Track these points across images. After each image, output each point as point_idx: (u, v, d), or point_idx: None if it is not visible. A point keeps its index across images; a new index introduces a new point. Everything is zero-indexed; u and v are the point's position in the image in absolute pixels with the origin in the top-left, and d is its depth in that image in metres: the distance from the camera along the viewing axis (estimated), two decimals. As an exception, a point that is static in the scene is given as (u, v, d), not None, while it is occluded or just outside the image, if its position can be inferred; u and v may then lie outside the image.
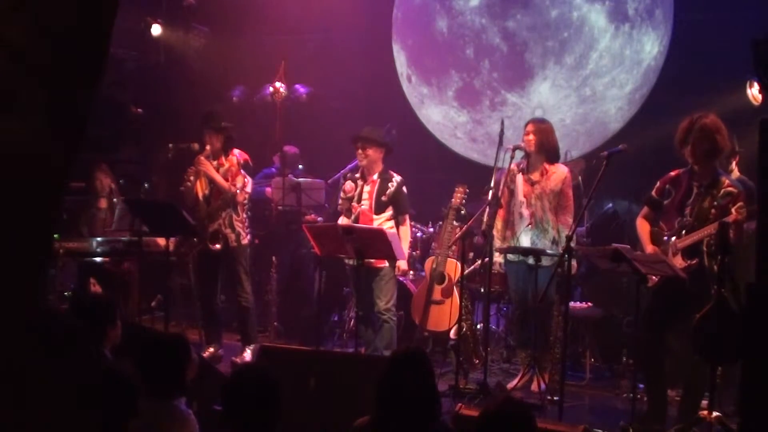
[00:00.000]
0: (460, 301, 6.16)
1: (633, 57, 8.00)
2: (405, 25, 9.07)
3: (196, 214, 6.21)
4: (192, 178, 6.26)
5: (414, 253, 7.17)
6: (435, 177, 8.02)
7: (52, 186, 1.51)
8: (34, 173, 1.46)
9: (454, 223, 6.20)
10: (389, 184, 5.96)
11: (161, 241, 6.34)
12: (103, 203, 7.30)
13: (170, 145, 6.78)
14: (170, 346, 3.19)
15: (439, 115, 8.91)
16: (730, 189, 4.62)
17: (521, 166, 5.82)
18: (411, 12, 9.03)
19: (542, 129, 5.74)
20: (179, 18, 9.02)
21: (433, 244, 7.02)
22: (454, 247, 6.30)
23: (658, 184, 4.95)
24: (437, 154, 8.82)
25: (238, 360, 6.18)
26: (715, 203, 4.61)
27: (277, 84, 7.57)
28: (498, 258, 5.94)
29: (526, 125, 5.83)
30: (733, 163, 5.48)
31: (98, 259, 6.76)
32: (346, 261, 5.99)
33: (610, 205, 7.12)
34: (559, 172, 5.72)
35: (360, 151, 5.99)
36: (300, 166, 7.93)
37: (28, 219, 1.48)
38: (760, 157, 2.93)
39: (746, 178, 5.24)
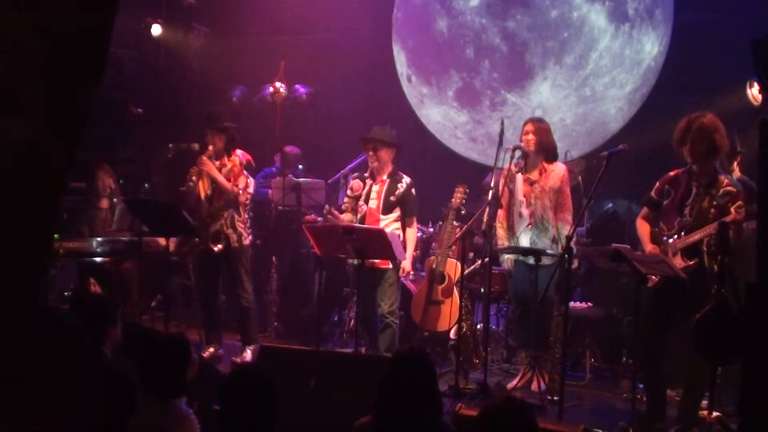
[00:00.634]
0: (460, 301, 6.16)
1: (633, 57, 8.00)
2: (405, 25, 9.07)
3: (198, 214, 6.22)
4: (194, 178, 6.26)
5: (414, 253, 7.17)
6: (435, 177, 8.01)
7: (52, 186, 1.51)
8: (34, 173, 1.46)
9: (454, 223, 6.21)
10: (399, 185, 5.95)
11: (162, 241, 6.34)
12: (105, 203, 7.30)
13: (170, 145, 6.78)
14: (170, 346, 3.19)
15: (439, 115, 8.91)
16: (729, 188, 4.62)
17: (519, 165, 5.82)
18: (411, 12, 9.03)
19: (541, 128, 5.75)
20: (179, 18, 9.03)
21: (433, 244, 7.02)
22: (454, 247, 6.30)
23: (657, 184, 4.95)
24: (437, 154, 8.82)
25: (238, 360, 6.18)
26: (715, 203, 4.61)
27: (277, 84, 7.57)
28: (509, 256, 5.92)
29: (525, 125, 5.83)
30: (735, 163, 5.48)
31: (98, 259, 6.76)
32: (349, 261, 5.99)
33: (610, 205, 7.12)
34: (558, 170, 5.73)
35: (371, 153, 5.97)
36: (300, 167, 7.93)
37: (28, 219, 1.48)
38: (760, 157, 2.93)
39: (747, 178, 5.24)
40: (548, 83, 8.25)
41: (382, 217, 5.93)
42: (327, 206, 6.53)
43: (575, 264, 5.21)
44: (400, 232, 5.92)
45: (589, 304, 6.41)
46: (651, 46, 7.97)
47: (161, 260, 6.27)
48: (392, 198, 5.93)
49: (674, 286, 4.65)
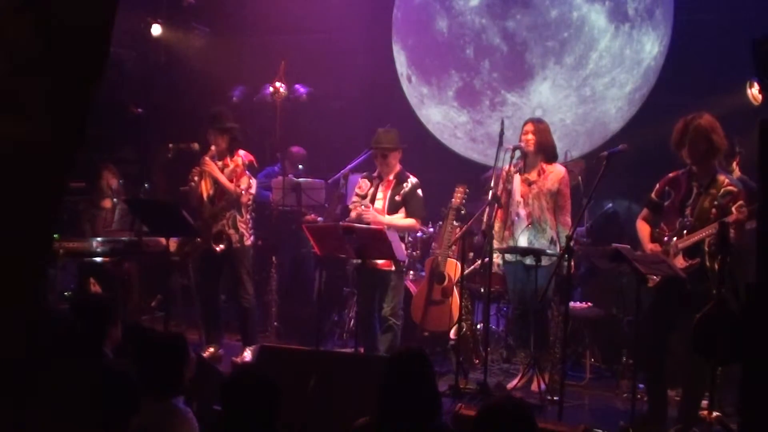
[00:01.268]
0: (460, 301, 6.17)
1: (633, 57, 8.00)
2: (405, 25, 9.07)
3: (200, 214, 6.22)
4: (196, 178, 6.27)
5: (414, 253, 7.17)
6: (435, 177, 8.01)
7: (52, 186, 1.51)
8: (34, 173, 1.46)
9: (454, 223, 6.21)
10: (404, 185, 5.95)
11: (163, 240, 6.34)
12: (107, 203, 7.31)
13: (170, 145, 6.78)
14: (168, 345, 3.19)
15: (439, 115, 8.90)
16: (729, 188, 4.62)
17: (518, 166, 5.82)
18: (411, 12, 9.03)
19: (541, 129, 5.74)
20: (179, 18, 9.02)
21: (433, 244, 7.02)
22: (454, 247, 6.30)
23: (657, 186, 4.94)
24: (437, 154, 8.82)
25: (238, 360, 6.18)
26: (716, 203, 4.60)
27: (277, 84, 7.57)
28: (496, 259, 5.93)
29: (525, 125, 5.83)
30: (734, 163, 5.48)
31: (98, 259, 6.76)
32: (351, 261, 5.99)
33: (610, 205, 7.12)
34: (557, 171, 5.72)
35: (381, 159, 5.96)
36: (300, 166, 7.94)
37: (28, 219, 1.48)
38: (760, 157, 2.92)
39: (747, 178, 5.24)
40: (548, 83, 8.25)
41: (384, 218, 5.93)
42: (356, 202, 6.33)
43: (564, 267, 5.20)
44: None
45: (589, 304, 6.41)
46: (651, 46, 7.97)
47: (161, 260, 6.27)
48: (397, 198, 5.94)
49: (674, 286, 4.65)
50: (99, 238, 6.88)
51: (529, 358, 5.69)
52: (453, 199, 6.15)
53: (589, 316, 6.32)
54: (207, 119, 6.37)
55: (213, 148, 6.25)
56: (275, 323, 7.01)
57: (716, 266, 4.53)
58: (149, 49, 9.04)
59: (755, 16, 6.86)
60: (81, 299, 5.19)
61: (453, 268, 6.26)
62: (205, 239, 6.19)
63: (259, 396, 2.74)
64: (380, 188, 5.99)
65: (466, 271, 6.23)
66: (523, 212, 5.74)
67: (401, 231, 5.93)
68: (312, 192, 7.32)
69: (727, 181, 4.67)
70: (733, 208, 4.46)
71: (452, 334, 6.19)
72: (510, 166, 5.77)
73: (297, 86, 8.11)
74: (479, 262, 6.56)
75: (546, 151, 5.73)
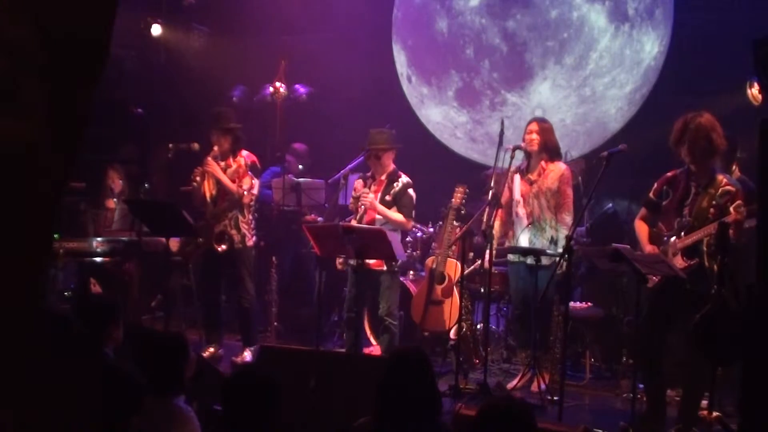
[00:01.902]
0: (460, 301, 6.16)
1: (633, 57, 8.00)
2: (405, 25, 9.07)
3: (202, 214, 6.23)
4: (198, 178, 6.27)
5: (414, 253, 7.18)
6: (435, 177, 8.01)
7: (52, 186, 1.52)
8: (34, 173, 1.46)
9: (454, 223, 6.21)
10: (395, 184, 5.97)
11: (164, 240, 6.35)
12: (111, 203, 7.31)
13: (170, 145, 6.78)
14: (168, 345, 3.19)
15: (439, 115, 8.90)
16: (728, 188, 4.62)
17: (522, 167, 5.82)
18: (411, 12, 9.03)
19: (545, 128, 5.74)
20: (179, 18, 9.02)
21: (433, 244, 7.02)
22: (454, 247, 6.30)
23: (655, 185, 4.94)
24: (437, 154, 8.82)
25: (238, 360, 6.18)
26: (714, 202, 4.60)
27: (277, 84, 7.57)
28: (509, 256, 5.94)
29: (529, 124, 5.81)
30: (734, 165, 5.47)
31: (98, 259, 6.76)
32: (349, 261, 5.99)
33: (610, 205, 7.11)
34: (557, 170, 5.71)
35: (374, 160, 5.99)
36: (300, 167, 7.94)
37: (27, 219, 1.48)
38: (760, 157, 2.92)
39: (746, 178, 5.24)
40: (548, 83, 8.25)
41: (378, 217, 5.94)
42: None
43: (564, 267, 5.20)
44: (399, 232, 5.92)
45: (589, 304, 6.41)
46: (651, 46, 7.96)
47: (161, 260, 6.27)
48: (388, 197, 5.95)
49: (674, 286, 4.65)
50: (99, 238, 6.88)
51: (529, 358, 5.69)
52: (453, 199, 6.15)
53: (589, 316, 6.32)
54: (210, 119, 6.37)
55: (216, 148, 6.25)
56: (275, 323, 7.01)
57: (715, 266, 4.53)
58: (149, 49, 9.04)
59: (755, 16, 6.86)
60: (82, 299, 5.20)
61: (453, 268, 6.26)
62: (207, 239, 6.19)
63: (259, 396, 2.74)
64: (372, 188, 6.00)
65: (466, 271, 6.23)
66: (522, 212, 5.74)
67: (394, 225, 5.91)
68: (312, 192, 7.32)
69: (725, 180, 4.66)
70: (732, 208, 4.45)
71: (452, 334, 6.19)
72: (510, 167, 5.77)
73: (297, 86, 8.12)
74: (479, 262, 6.56)
75: (549, 151, 5.73)
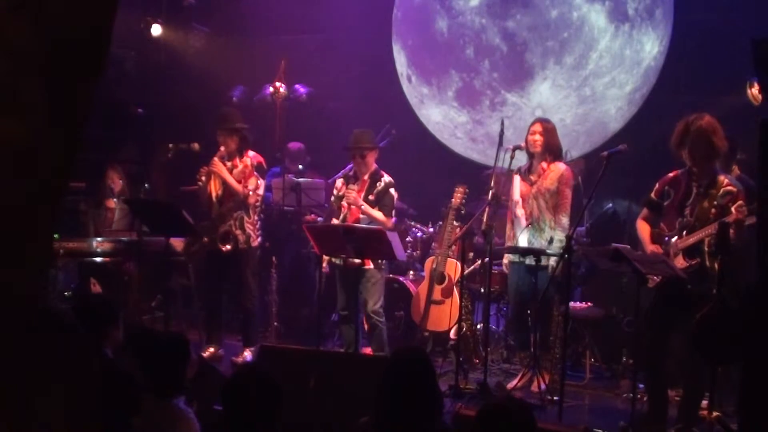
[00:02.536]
0: (460, 301, 6.17)
1: (633, 57, 8.00)
2: (405, 25, 9.07)
3: (208, 214, 6.25)
4: (204, 178, 6.28)
5: (414, 253, 7.18)
6: (435, 177, 8.01)
7: (52, 186, 1.51)
8: (34, 173, 1.46)
9: (454, 223, 6.21)
10: (378, 184, 5.97)
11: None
12: (111, 203, 7.31)
13: (170, 145, 6.78)
14: (169, 345, 3.19)
15: (439, 115, 8.90)
16: (729, 188, 4.62)
17: (523, 167, 5.81)
18: (411, 12, 9.03)
19: (549, 129, 5.73)
20: (179, 18, 9.02)
21: (433, 244, 7.02)
22: (454, 247, 6.30)
23: (656, 185, 4.94)
24: (437, 154, 8.82)
25: (238, 360, 6.18)
26: (715, 203, 4.60)
27: (277, 84, 7.57)
28: (503, 259, 5.94)
29: (533, 124, 5.79)
30: (734, 165, 5.47)
31: (98, 259, 6.76)
32: (333, 260, 6.00)
33: (610, 205, 7.12)
34: (556, 170, 5.70)
35: (359, 159, 5.99)
36: (300, 166, 7.94)
37: (28, 219, 1.48)
38: (760, 157, 2.92)
39: (746, 177, 5.24)
40: (548, 83, 8.25)
41: (361, 216, 5.95)
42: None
43: (560, 268, 5.20)
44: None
45: (589, 304, 6.41)
46: (651, 46, 7.96)
47: (161, 260, 6.27)
48: (371, 197, 5.96)
49: (674, 287, 4.65)
50: (99, 238, 6.88)
51: (529, 359, 5.69)
52: (453, 199, 6.15)
53: (589, 316, 6.32)
54: (216, 119, 6.38)
55: (222, 148, 6.25)
56: (275, 323, 7.01)
57: (716, 266, 4.53)
58: (149, 49, 9.04)
59: (755, 17, 6.86)
60: (82, 299, 5.20)
61: (453, 268, 6.26)
62: (212, 239, 6.20)
63: (259, 396, 2.74)
64: (355, 188, 6.01)
65: (466, 271, 6.23)
66: (521, 212, 5.74)
67: (376, 223, 5.90)
68: (312, 192, 7.32)
69: (726, 181, 4.66)
70: (733, 209, 4.45)
71: (452, 334, 6.19)
72: (510, 167, 5.77)
73: (297, 86, 8.11)
74: (479, 262, 6.56)
75: (552, 152, 5.72)
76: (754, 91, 5.88)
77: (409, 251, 7.05)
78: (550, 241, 5.59)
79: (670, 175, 4.89)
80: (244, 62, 8.78)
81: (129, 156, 8.49)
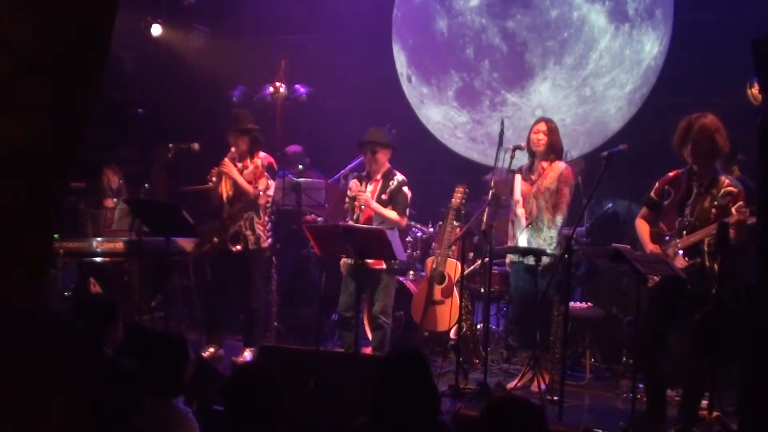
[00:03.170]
0: (460, 301, 6.16)
1: (633, 57, 8.00)
2: (405, 25, 9.07)
3: (218, 214, 6.26)
4: (214, 178, 6.29)
5: (414, 253, 7.18)
6: (435, 177, 8.01)
7: (52, 186, 1.52)
8: (34, 173, 1.46)
9: (454, 223, 6.21)
10: (390, 183, 5.97)
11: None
12: (110, 203, 7.31)
13: (170, 145, 6.78)
14: (168, 346, 3.19)
15: (439, 115, 8.90)
16: (730, 188, 4.61)
17: (524, 167, 5.81)
18: (411, 12, 9.02)
19: (552, 129, 5.72)
20: (179, 18, 9.02)
21: (433, 244, 7.02)
22: (454, 247, 6.30)
23: (656, 185, 4.94)
24: (437, 154, 8.82)
25: (238, 360, 6.18)
26: (716, 203, 4.60)
27: (277, 84, 7.57)
28: (506, 259, 5.94)
29: (536, 124, 5.77)
30: (733, 167, 5.47)
31: (98, 259, 6.76)
32: (346, 261, 5.99)
33: (610, 205, 7.12)
34: (556, 169, 5.69)
35: (370, 155, 5.98)
36: (300, 166, 7.94)
37: (27, 219, 1.48)
38: (760, 157, 2.92)
39: (746, 177, 5.23)
40: (548, 83, 8.25)
41: (374, 216, 5.95)
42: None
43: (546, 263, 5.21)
44: (395, 231, 5.93)
45: (589, 304, 6.41)
46: (651, 46, 7.96)
47: (161, 260, 6.27)
48: (384, 196, 5.96)
49: (674, 286, 4.65)
50: (99, 238, 6.88)
51: (529, 359, 5.69)
52: (453, 199, 6.15)
53: (589, 316, 6.32)
54: (228, 120, 6.40)
55: (233, 149, 6.26)
56: (275, 323, 7.01)
57: (716, 266, 4.53)
58: (149, 49, 9.03)
59: (755, 16, 6.86)
60: (82, 299, 5.19)
61: (453, 268, 6.26)
62: (222, 240, 6.21)
63: (259, 396, 2.74)
64: (368, 188, 6.00)
65: (466, 271, 6.23)
66: (521, 212, 5.74)
67: (389, 223, 5.90)
68: (312, 192, 7.32)
69: (727, 181, 4.66)
70: (734, 209, 4.45)
71: (452, 334, 6.19)
72: (510, 167, 5.77)
73: (297, 86, 8.11)
74: (479, 262, 6.56)
75: (555, 151, 5.72)
76: (754, 91, 5.88)
77: (409, 251, 7.05)
78: (550, 242, 5.59)
79: (671, 174, 4.89)
80: (244, 62, 8.78)
81: (129, 156, 8.49)
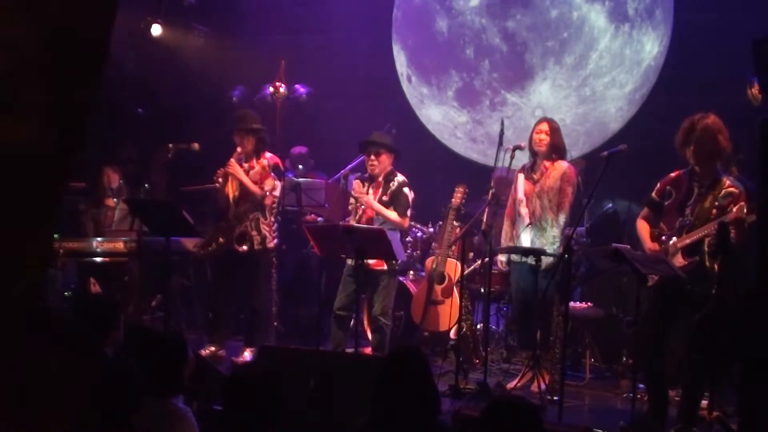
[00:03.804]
0: (460, 301, 6.16)
1: (633, 57, 8.00)
2: (405, 25, 9.07)
3: (224, 215, 6.27)
4: (221, 179, 6.29)
5: (414, 253, 7.18)
6: (435, 177, 8.01)
7: (52, 186, 1.52)
8: (34, 173, 1.46)
9: (454, 223, 6.21)
10: (391, 184, 5.97)
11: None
12: (110, 202, 7.31)
13: (170, 145, 6.78)
14: (167, 345, 3.19)
15: (439, 115, 8.91)
16: (731, 189, 4.61)
17: (526, 166, 5.81)
18: (411, 12, 9.03)
19: (555, 129, 5.71)
20: (179, 18, 9.02)
21: (433, 244, 7.02)
22: (454, 247, 6.30)
23: (658, 185, 4.93)
24: (437, 154, 8.82)
25: (238, 360, 6.18)
26: (717, 203, 4.59)
27: (277, 84, 7.58)
28: (501, 257, 5.94)
29: (539, 123, 5.76)
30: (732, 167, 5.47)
31: (98, 259, 6.76)
32: (347, 261, 6.00)
33: (610, 205, 7.12)
34: (559, 169, 5.69)
35: (373, 157, 5.97)
36: (300, 166, 7.94)
37: (27, 219, 1.48)
38: (759, 157, 2.93)
39: (744, 178, 5.23)
40: (548, 83, 8.25)
41: (375, 217, 5.95)
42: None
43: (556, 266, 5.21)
44: (398, 232, 5.92)
45: (589, 304, 6.41)
46: (651, 46, 7.97)
47: (161, 260, 6.27)
48: (385, 198, 5.96)
49: (674, 286, 4.65)
50: (99, 238, 6.88)
51: (529, 359, 5.68)
52: (453, 199, 6.15)
53: (589, 316, 6.32)
54: (229, 120, 6.39)
55: (239, 149, 6.26)
56: (275, 323, 7.01)
57: (716, 266, 4.53)
58: (149, 49, 9.03)
59: (755, 16, 6.86)
60: (83, 299, 5.19)
61: (453, 268, 6.26)
62: (228, 240, 6.21)
63: (259, 396, 2.74)
64: (371, 190, 6.01)
65: (466, 271, 6.23)
66: (523, 211, 5.73)
67: (390, 223, 5.90)
68: (312, 192, 7.32)
69: (728, 182, 4.65)
70: (734, 209, 4.45)
71: (452, 334, 6.19)
72: (510, 167, 5.77)
73: (297, 86, 8.12)
74: (479, 262, 6.56)
75: (557, 151, 5.71)
76: (754, 91, 5.88)
77: (409, 251, 7.05)
78: (552, 241, 5.59)
79: (672, 175, 4.88)
80: (244, 62, 8.78)
81: (129, 156, 8.49)
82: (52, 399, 1.58)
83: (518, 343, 6.24)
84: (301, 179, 7.44)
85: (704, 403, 4.65)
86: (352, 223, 5.96)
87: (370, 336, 6.38)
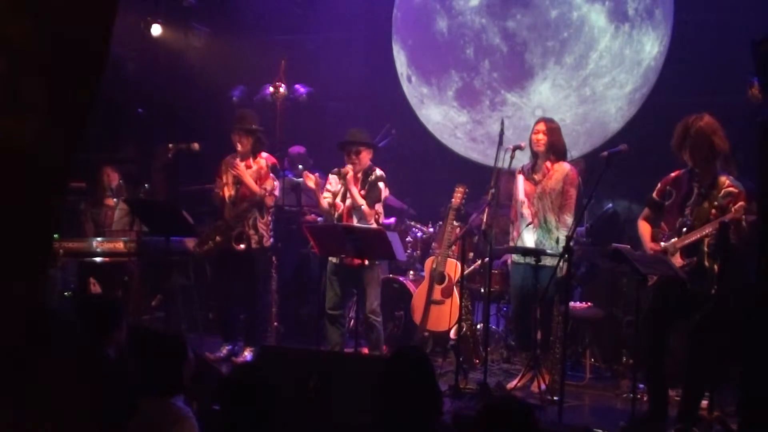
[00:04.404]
0: (460, 301, 6.16)
1: (633, 57, 8.00)
2: (405, 25, 9.07)
3: (221, 214, 6.27)
4: (226, 181, 6.30)
5: (414, 253, 7.18)
6: (435, 177, 8.01)
7: (52, 186, 1.52)
8: (34, 173, 1.46)
9: (454, 223, 6.21)
10: (369, 178, 6.00)
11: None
12: (110, 202, 7.32)
13: (170, 145, 6.78)
14: (167, 345, 3.19)
15: (439, 115, 8.91)
16: (731, 189, 4.60)
17: (526, 167, 5.81)
18: (411, 12, 9.03)
19: (553, 129, 5.70)
20: (179, 18, 9.03)
21: (433, 244, 7.02)
22: (454, 247, 6.30)
23: (658, 185, 4.93)
24: (437, 154, 8.82)
25: (238, 360, 6.18)
26: (716, 203, 4.59)
27: (277, 84, 7.58)
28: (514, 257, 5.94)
29: (536, 124, 5.76)
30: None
31: (98, 259, 6.76)
32: (331, 259, 6.00)
33: (610, 205, 7.11)
34: (561, 170, 5.68)
35: (353, 156, 6.00)
36: (300, 166, 7.94)
37: (28, 219, 1.48)
38: (759, 158, 2.93)
39: (744, 178, 5.23)
40: (548, 83, 8.25)
41: (356, 209, 5.96)
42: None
43: (563, 268, 5.21)
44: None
45: (589, 304, 6.41)
46: (651, 46, 7.96)
47: (161, 260, 6.27)
48: (363, 192, 5.98)
49: (674, 286, 4.65)
50: (99, 238, 6.88)
51: (529, 359, 5.68)
52: (453, 199, 6.15)
53: (589, 316, 6.32)
54: (229, 120, 6.40)
55: (239, 148, 6.27)
56: (275, 323, 7.01)
57: (715, 266, 4.53)
58: (149, 49, 9.04)
59: (755, 16, 6.86)
60: (85, 300, 5.19)
61: (453, 268, 6.26)
62: (226, 239, 6.21)
63: (258, 396, 2.74)
64: (342, 181, 6.04)
65: (466, 271, 6.23)
66: (527, 212, 5.73)
67: (360, 212, 5.93)
68: (312, 192, 7.31)
69: (728, 182, 4.65)
70: (733, 209, 4.44)
71: (452, 334, 6.19)
72: (510, 167, 5.76)
73: (297, 86, 8.12)
74: (479, 262, 6.56)
75: (557, 152, 5.70)
76: (754, 91, 5.87)
77: (409, 251, 7.05)
78: (557, 241, 5.59)
79: (673, 175, 4.88)
80: (244, 62, 8.78)
81: (129, 156, 8.49)
82: (51, 400, 1.58)
83: (516, 344, 6.24)
84: (300, 179, 7.43)
85: (704, 403, 4.65)
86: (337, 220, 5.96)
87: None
